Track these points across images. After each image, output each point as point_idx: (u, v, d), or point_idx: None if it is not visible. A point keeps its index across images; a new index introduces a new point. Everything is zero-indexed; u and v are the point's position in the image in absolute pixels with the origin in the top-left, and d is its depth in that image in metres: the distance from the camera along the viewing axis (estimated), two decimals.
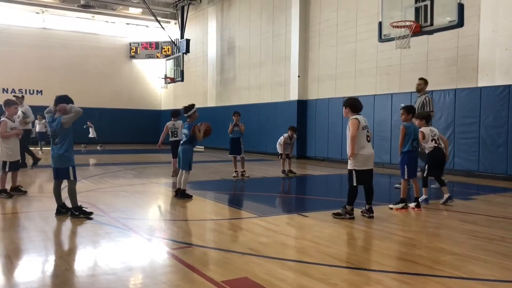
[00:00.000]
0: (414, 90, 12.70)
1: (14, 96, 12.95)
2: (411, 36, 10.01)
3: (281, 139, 11.51)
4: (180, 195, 7.86)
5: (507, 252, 4.63)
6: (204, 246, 4.87)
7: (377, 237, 5.26)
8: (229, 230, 5.75)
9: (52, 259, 4.48)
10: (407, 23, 9.93)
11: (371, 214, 6.25)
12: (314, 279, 3.74)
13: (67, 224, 5.88)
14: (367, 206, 6.29)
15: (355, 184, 6.13)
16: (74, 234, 5.52)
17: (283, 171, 11.62)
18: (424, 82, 9.54)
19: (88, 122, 22.23)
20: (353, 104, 6.20)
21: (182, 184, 7.85)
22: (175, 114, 11.18)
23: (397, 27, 10.11)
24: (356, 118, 6.05)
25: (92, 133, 22.62)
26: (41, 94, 24.72)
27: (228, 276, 3.81)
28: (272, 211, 7.43)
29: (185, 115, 8.00)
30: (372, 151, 6.18)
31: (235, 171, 11.32)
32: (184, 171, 7.83)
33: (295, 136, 11.67)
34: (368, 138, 6.16)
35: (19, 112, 11.65)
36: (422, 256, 4.45)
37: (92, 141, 22.58)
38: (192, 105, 8.06)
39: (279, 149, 11.59)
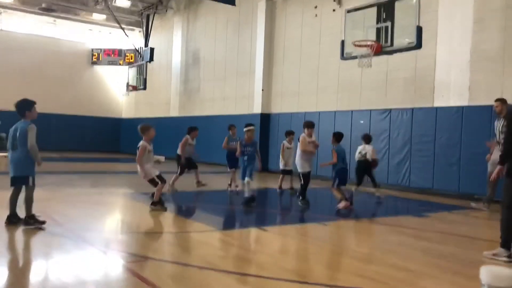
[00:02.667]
0: (376, 107, 13.15)
1: None
2: (373, 55, 10.31)
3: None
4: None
5: (458, 268, 4.78)
6: (161, 259, 4.78)
7: (335, 252, 5.33)
8: (187, 243, 5.68)
9: None
10: (369, 43, 10.24)
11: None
12: None
13: (18, 235, 5.65)
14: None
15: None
16: (25, 245, 5.31)
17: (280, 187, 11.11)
18: (501, 102, 8.68)
19: None
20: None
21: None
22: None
23: (359, 46, 10.40)
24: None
25: None
26: None
27: None
28: (231, 224, 7.39)
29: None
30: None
31: (231, 184, 10.90)
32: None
33: None
34: None
35: None
36: (379, 272, 4.53)
37: None
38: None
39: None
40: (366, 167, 10.15)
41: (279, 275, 4.31)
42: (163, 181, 7.77)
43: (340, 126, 14.15)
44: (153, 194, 7.86)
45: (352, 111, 13.90)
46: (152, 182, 7.67)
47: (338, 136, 8.79)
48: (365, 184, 13.14)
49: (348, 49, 10.92)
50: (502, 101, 8.77)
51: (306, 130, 8.82)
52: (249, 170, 8.57)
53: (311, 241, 5.90)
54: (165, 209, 7.65)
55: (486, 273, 1.40)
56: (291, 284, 4.05)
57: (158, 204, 7.69)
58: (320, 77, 15.20)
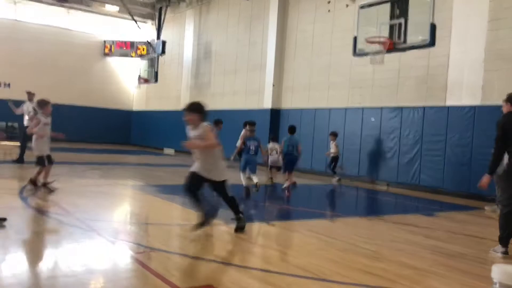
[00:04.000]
0: (388, 105, 13.07)
1: (26, 92, 12.69)
2: (385, 52, 10.23)
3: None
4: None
5: (467, 268, 4.75)
6: (169, 251, 4.81)
7: (341, 248, 5.32)
8: (195, 236, 5.70)
9: (9, 258, 4.34)
10: (382, 39, 10.16)
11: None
12: None
13: (28, 222, 5.71)
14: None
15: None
16: (34, 233, 5.36)
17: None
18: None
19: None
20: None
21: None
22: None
23: (372, 42, 10.32)
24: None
25: None
26: (9, 87, 23.99)
27: (192, 283, 3.78)
28: None
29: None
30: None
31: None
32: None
33: None
34: None
35: (30, 108, 11.93)
36: (385, 269, 4.52)
37: None
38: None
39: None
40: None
41: (286, 269, 4.31)
42: (50, 163, 8.18)
43: (350, 123, 14.11)
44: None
45: (363, 108, 13.82)
46: (39, 160, 8.05)
47: (290, 129, 10.15)
48: (374, 181, 13.09)
49: (361, 45, 10.84)
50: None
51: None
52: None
53: (319, 237, 5.89)
54: (34, 188, 7.96)
55: (497, 271, 1.40)
56: (297, 279, 4.06)
57: (33, 183, 7.97)
58: (331, 73, 15.12)
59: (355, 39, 11.04)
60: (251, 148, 9.22)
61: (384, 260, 4.89)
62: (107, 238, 5.22)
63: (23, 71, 24.36)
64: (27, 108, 12.36)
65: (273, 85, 17.13)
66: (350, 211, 8.23)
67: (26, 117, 12.37)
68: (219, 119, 10.23)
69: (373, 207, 10.11)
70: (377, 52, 10.35)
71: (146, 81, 24.07)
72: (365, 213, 8.10)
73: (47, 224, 5.66)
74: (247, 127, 9.82)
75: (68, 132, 11.69)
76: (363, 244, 5.59)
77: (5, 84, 24.29)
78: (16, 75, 24.08)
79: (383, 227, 6.93)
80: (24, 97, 12.90)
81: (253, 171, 9.18)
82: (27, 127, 12.45)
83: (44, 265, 4.13)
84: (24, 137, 12.19)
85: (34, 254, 4.58)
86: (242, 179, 9.19)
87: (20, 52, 24.67)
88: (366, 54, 10.69)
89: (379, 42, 10.21)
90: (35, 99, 12.33)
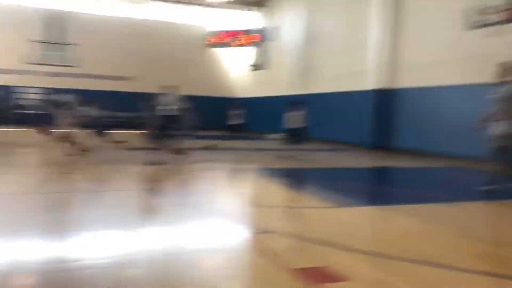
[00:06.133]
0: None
1: (171, 86, 14.36)
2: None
3: None
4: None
5: None
6: (281, 232, 4.93)
7: (459, 235, 5.04)
8: (306, 218, 5.77)
9: (144, 238, 4.79)
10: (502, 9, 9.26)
11: None
12: (393, 274, 3.69)
13: (154, 203, 6.21)
14: None
15: None
16: (156, 213, 5.83)
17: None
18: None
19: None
20: None
21: None
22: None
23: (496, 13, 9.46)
24: None
25: None
26: (133, 80, 26.38)
27: (304, 264, 3.84)
28: (352, 202, 7.34)
29: None
30: None
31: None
32: None
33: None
34: None
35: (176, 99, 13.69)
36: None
37: None
38: None
39: None
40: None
41: (402, 254, 4.19)
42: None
43: (467, 101, 13.02)
44: None
45: (482, 85, 12.68)
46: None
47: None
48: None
49: (479, 17, 10.01)
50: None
51: None
52: None
53: (436, 222, 5.62)
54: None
55: None
56: (414, 266, 3.92)
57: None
58: (447, 48, 14.07)
59: (471, 11, 10.18)
60: None
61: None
62: (220, 219, 5.50)
63: (142, 66, 26.59)
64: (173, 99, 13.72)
65: (382, 65, 16.46)
66: (470, 196, 7.71)
67: (173, 107, 13.47)
68: None
69: (494, 191, 9.33)
70: (498, 23, 9.47)
71: (257, 67, 24.52)
72: (486, 198, 7.51)
73: (168, 206, 6.12)
74: None
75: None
76: (485, 232, 5.24)
77: (129, 78, 26.81)
78: (137, 70, 26.34)
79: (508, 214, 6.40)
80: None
81: None
82: (178, 116, 13.83)
83: (170, 241, 4.50)
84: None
85: (159, 231, 4.99)
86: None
87: (136, 48, 26.88)
88: (488, 25, 9.83)
89: (500, 11, 9.32)
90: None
